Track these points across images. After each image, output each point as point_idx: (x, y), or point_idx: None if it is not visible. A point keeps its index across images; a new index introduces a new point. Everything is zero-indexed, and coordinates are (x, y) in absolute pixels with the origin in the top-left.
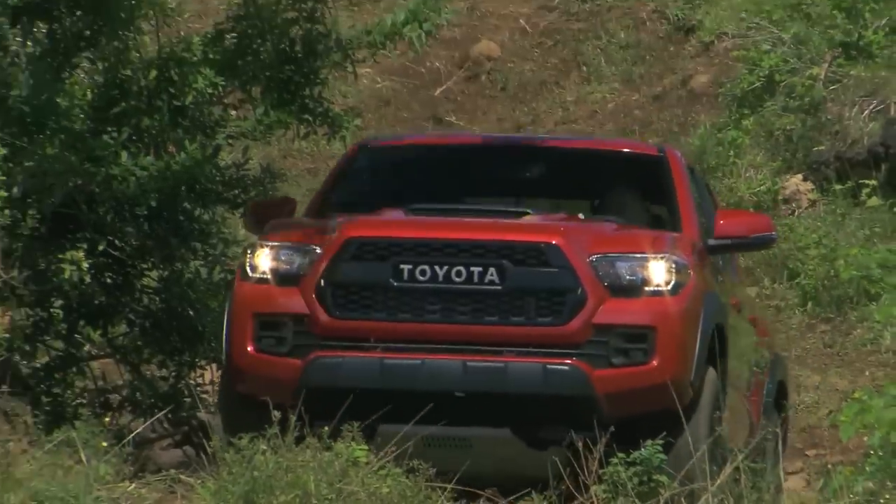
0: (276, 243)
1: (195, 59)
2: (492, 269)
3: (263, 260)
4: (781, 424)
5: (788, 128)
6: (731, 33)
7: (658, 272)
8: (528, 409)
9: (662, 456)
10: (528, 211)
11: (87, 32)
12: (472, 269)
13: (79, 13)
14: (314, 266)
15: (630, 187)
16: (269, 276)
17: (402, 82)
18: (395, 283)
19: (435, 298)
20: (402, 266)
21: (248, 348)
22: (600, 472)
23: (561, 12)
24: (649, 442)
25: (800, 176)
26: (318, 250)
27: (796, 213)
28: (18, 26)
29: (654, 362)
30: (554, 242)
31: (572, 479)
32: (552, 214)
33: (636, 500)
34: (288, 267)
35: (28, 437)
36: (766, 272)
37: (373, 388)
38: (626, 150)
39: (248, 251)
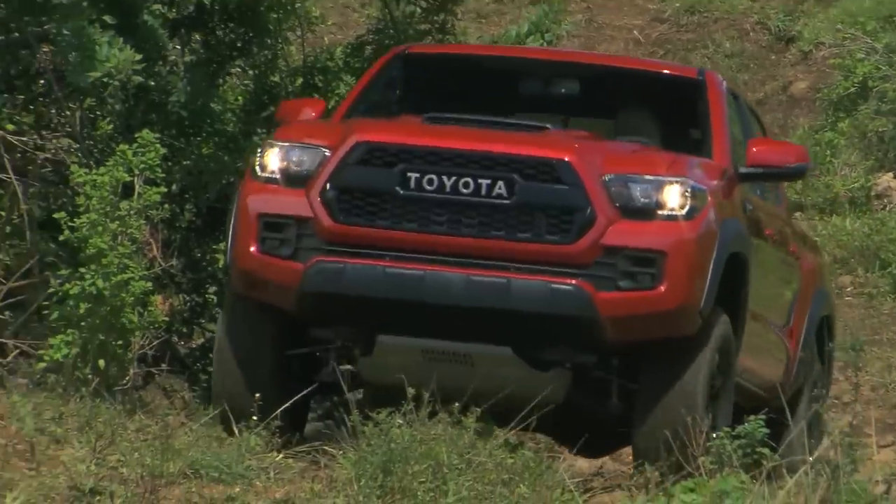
0: (285, 143)
1: (337, 67)
2: (501, 183)
3: (272, 159)
4: (824, 360)
5: (880, 129)
6: (828, 43)
7: (673, 196)
8: (530, 327)
9: (765, 430)
10: (548, 126)
11: (239, 43)
12: (480, 181)
13: (231, 25)
14: (322, 168)
15: (667, 109)
16: (276, 176)
17: None
18: (402, 192)
19: (441, 209)
20: (409, 174)
21: (251, 248)
22: (707, 444)
23: (671, 24)
24: (752, 417)
25: (891, 174)
26: (327, 152)
27: (888, 208)
28: (177, 38)
29: (662, 288)
30: (566, 159)
31: (681, 450)
32: (572, 131)
33: (741, 471)
34: (296, 168)
35: (185, 412)
36: (859, 262)
37: (373, 296)
38: (665, 71)
39: (259, 150)
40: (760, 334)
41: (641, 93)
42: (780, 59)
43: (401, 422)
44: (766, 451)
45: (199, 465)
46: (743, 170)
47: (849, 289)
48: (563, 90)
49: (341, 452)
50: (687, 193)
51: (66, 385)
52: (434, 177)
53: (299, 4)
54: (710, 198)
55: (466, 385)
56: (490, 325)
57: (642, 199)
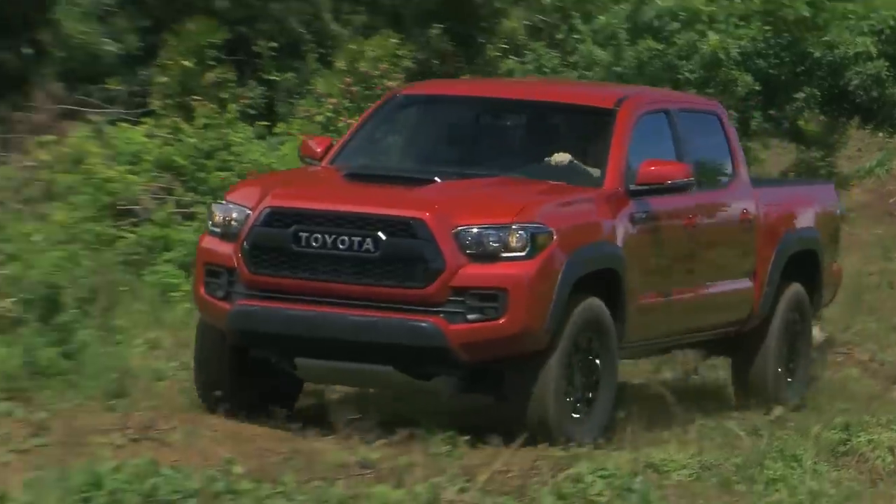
0: (224, 202)
1: None
2: (369, 239)
3: (216, 216)
4: (814, 284)
5: None
6: None
7: (516, 240)
8: (399, 353)
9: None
10: (436, 179)
11: None
12: (353, 238)
13: None
14: (244, 226)
15: (584, 135)
16: (218, 230)
17: None
18: (295, 248)
19: (325, 261)
20: (300, 233)
21: (200, 290)
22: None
23: None
24: None
25: None
26: (249, 213)
27: None
28: None
29: (505, 318)
30: (420, 217)
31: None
32: (455, 182)
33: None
34: (231, 224)
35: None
36: None
37: (278, 332)
38: (581, 102)
39: (210, 207)
40: (718, 294)
41: (573, 119)
42: None
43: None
44: None
45: None
46: (633, 187)
47: None
48: (510, 122)
49: None
50: (529, 237)
51: None
52: (318, 235)
53: None
54: (556, 236)
55: (375, 388)
56: (370, 351)
57: (488, 245)
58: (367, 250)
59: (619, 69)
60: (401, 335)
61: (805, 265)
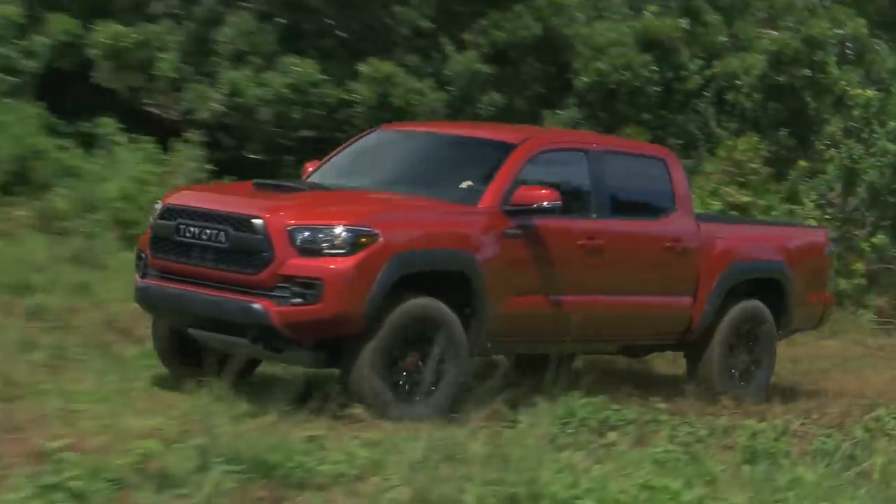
0: (157, 201)
1: None
2: (222, 233)
3: (153, 211)
4: (782, 306)
5: None
6: None
7: (338, 240)
8: (242, 328)
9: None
10: (303, 188)
11: None
12: (211, 231)
13: None
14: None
15: (494, 164)
16: (150, 223)
17: None
18: (177, 237)
19: (196, 249)
20: (180, 226)
21: (135, 272)
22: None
23: None
24: None
25: None
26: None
27: None
28: None
29: (321, 304)
30: (258, 215)
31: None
32: (322, 191)
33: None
34: (153, 218)
35: None
36: None
37: (160, 306)
38: (497, 138)
39: (153, 205)
40: (639, 306)
41: (490, 151)
42: None
43: None
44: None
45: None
46: (507, 208)
47: None
48: (444, 153)
49: None
50: (348, 238)
51: None
52: (192, 228)
53: None
54: (382, 238)
55: (246, 357)
56: (227, 325)
57: (313, 242)
58: (220, 241)
59: None
60: (237, 313)
61: (769, 290)
